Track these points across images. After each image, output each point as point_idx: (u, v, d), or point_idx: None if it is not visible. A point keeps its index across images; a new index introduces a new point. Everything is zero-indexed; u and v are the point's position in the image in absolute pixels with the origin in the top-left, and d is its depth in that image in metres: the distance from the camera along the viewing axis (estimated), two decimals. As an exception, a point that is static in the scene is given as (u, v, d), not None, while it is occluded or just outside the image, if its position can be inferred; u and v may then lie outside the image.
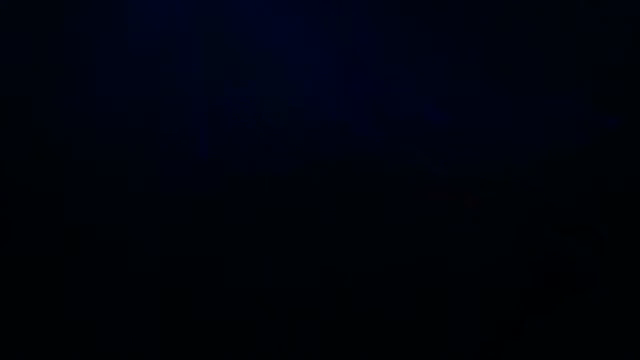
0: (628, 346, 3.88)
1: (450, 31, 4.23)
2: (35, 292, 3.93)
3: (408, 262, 4.04)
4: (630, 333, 3.89)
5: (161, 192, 4.14)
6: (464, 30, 4.25)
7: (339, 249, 4.07)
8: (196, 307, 3.97)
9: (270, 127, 4.20)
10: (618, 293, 3.96)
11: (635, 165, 4.11)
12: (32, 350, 3.82)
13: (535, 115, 4.18)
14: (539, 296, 3.97)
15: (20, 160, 4.11)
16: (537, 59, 4.24)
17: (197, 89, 4.11)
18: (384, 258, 4.05)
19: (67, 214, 4.04)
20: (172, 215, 4.10)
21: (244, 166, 4.18)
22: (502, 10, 4.24)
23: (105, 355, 3.78)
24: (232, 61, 4.20)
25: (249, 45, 4.14)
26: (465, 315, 3.96)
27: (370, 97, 4.10)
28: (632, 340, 3.88)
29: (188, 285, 4.01)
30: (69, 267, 3.99)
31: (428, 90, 4.17)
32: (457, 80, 4.24)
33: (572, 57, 4.20)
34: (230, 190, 4.17)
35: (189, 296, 4.00)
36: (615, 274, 3.99)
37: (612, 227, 4.03)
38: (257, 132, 4.17)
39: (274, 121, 4.21)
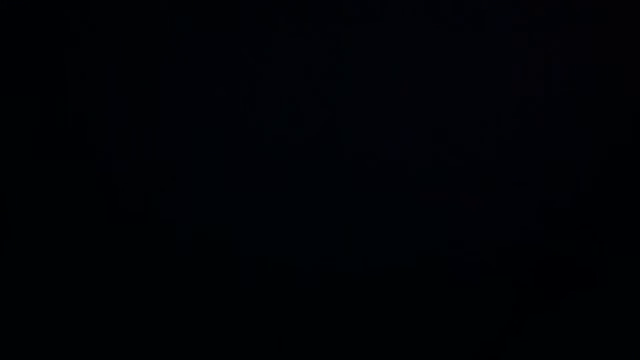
0: (628, 346, 3.88)
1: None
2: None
3: (407, 261, 4.05)
4: (630, 333, 3.90)
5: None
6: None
7: (337, 246, 4.08)
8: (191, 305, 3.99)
9: None
10: (618, 293, 3.96)
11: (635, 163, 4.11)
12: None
13: None
14: (539, 296, 3.97)
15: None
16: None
17: None
18: (383, 257, 4.05)
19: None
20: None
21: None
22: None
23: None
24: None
25: None
26: (465, 315, 3.96)
27: None
28: (632, 340, 3.89)
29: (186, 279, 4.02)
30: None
31: None
32: None
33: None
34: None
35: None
36: (615, 273, 3.99)
37: (612, 226, 4.03)
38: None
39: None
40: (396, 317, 3.97)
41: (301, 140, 4.12)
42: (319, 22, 4.18)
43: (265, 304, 3.99)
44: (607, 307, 3.94)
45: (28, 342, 3.91)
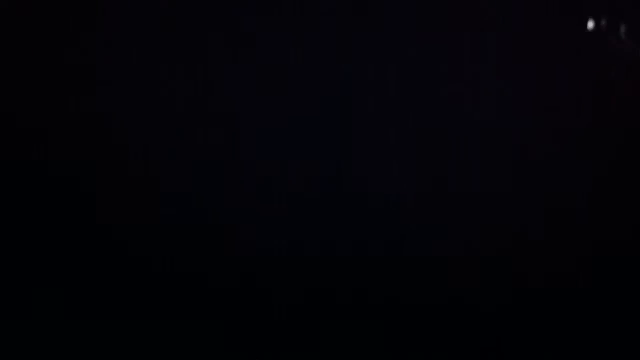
0: (628, 346, 3.90)
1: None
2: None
3: (407, 263, 4.05)
4: (630, 333, 3.91)
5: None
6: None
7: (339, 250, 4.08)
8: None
9: None
10: (617, 295, 3.98)
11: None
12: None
13: None
14: (538, 299, 3.98)
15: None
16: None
17: None
18: (384, 257, 4.05)
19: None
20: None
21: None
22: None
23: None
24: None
25: None
26: (465, 317, 3.97)
27: None
28: (632, 340, 3.90)
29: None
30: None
31: None
32: None
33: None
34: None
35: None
36: (614, 275, 4.00)
37: (610, 226, 4.05)
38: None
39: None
40: (396, 317, 3.98)
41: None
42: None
43: (265, 304, 3.99)
44: (606, 308, 3.96)
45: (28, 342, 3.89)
